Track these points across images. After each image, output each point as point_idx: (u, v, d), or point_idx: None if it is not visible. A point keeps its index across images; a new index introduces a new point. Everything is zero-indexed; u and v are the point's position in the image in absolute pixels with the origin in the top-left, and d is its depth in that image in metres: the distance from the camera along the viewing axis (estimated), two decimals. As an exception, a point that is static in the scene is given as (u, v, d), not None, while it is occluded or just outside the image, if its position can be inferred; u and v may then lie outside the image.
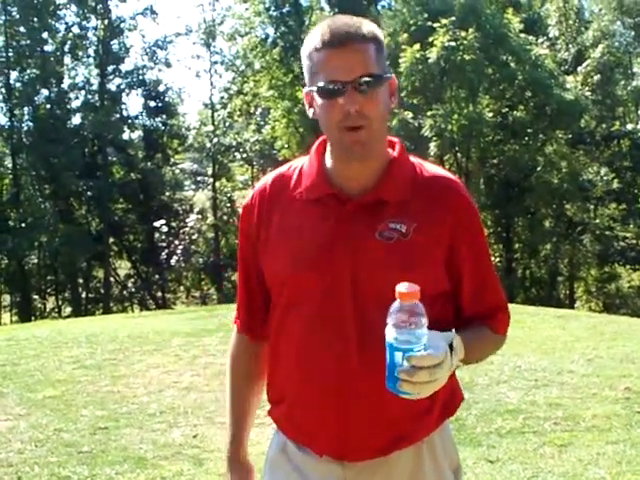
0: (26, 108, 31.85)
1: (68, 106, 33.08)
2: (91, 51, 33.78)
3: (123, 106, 34.53)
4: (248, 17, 30.70)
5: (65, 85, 33.13)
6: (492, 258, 1.99)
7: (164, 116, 34.83)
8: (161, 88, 34.98)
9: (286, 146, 28.21)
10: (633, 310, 25.51)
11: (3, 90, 31.30)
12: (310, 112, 1.78)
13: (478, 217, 1.85)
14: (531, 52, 24.03)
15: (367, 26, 1.72)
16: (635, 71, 29.56)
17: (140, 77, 34.47)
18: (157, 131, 34.86)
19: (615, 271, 29.58)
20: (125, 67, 34.14)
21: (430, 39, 22.64)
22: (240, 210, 1.97)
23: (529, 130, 25.42)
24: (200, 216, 35.43)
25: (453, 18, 22.70)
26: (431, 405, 1.75)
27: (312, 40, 1.72)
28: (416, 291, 1.46)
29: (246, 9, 30.85)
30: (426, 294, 1.55)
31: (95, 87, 33.68)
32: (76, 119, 33.56)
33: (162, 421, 6.06)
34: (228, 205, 35.22)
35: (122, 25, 33.48)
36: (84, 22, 33.15)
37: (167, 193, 34.80)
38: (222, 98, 35.73)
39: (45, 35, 31.91)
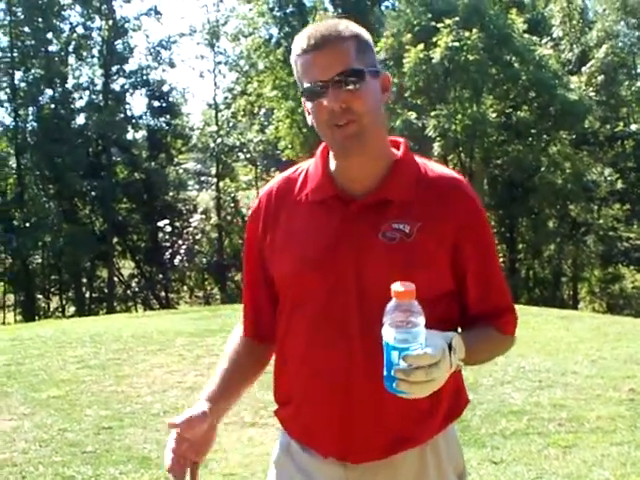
0: (30, 108, 31.91)
1: (72, 106, 33.15)
2: (95, 51, 33.84)
3: (127, 106, 34.61)
4: (252, 17, 30.73)
5: (69, 85, 33.21)
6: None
7: (168, 116, 34.86)
8: (165, 88, 35.05)
9: (289, 146, 28.20)
10: (637, 311, 25.47)
11: (8, 90, 31.35)
12: (308, 120, 1.79)
13: (484, 216, 1.84)
14: (535, 52, 23.98)
15: (345, 25, 1.73)
16: (639, 71, 29.51)
17: (144, 77, 34.52)
18: (161, 131, 34.88)
19: (619, 272, 29.53)
20: (129, 67, 34.27)
21: (434, 39, 22.61)
22: (244, 210, 1.98)
23: (533, 130, 25.36)
24: (204, 216, 35.46)
25: (457, 18, 22.66)
26: (435, 407, 1.75)
27: (294, 49, 1.75)
28: (412, 290, 1.45)
29: (250, 9, 30.89)
30: (431, 293, 1.55)
31: (99, 87, 33.76)
32: (80, 119, 33.68)
33: (166, 421, 6.05)
34: (232, 205, 35.23)
35: (126, 25, 33.53)
36: (88, 22, 33.23)
37: (171, 193, 34.84)
38: (226, 98, 35.76)
39: (49, 35, 31.96)
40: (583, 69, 26.72)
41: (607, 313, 22.93)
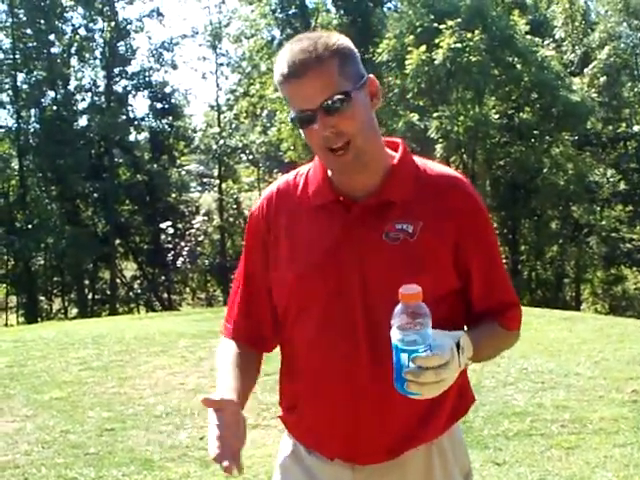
0: (33, 110, 31.94)
1: (75, 108, 33.18)
2: (98, 53, 33.88)
3: (129, 108, 34.62)
4: (254, 19, 30.76)
5: (72, 87, 33.24)
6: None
7: (170, 118, 34.87)
8: (167, 90, 35.06)
9: (292, 148, 28.19)
10: (639, 312, 25.44)
11: (10, 92, 31.39)
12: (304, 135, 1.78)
13: (485, 214, 1.84)
14: (537, 54, 23.98)
15: (325, 42, 1.68)
16: (642, 73, 29.50)
17: (146, 79, 34.54)
18: (163, 133, 34.90)
19: (621, 273, 29.51)
20: (131, 69, 34.28)
21: (436, 41, 22.59)
22: (246, 212, 1.97)
23: (535, 132, 25.35)
24: (206, 218, 35.48)
25: (459, 20, 22.65)
26: (440, 406, 1.75)
27: (275, 71, 1.72)
28: (419, 292, 1.47)
29: (252, 11, 30.91)
30: (435, 292, 1.55)
31: (101, 89, 33.78)
32: (82, 121, 33.72)
33: (169, 423, 6.06)
34: (234, 207, 35.25)
35: (128, 27, 33.57)
36: (91, 24, 33.25)
37: (173, 195, 34.84)
38: (228, 100, 35.78)
39: (52, 37, 32.00)
40: (585, 70, 26.72)
41: (609, 314, 22.90)
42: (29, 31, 31.37)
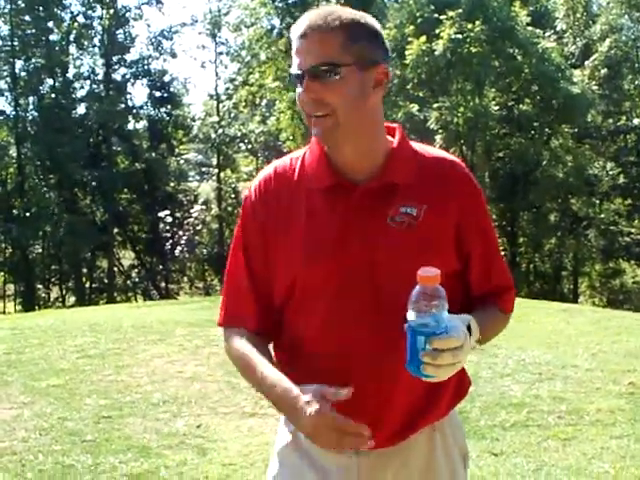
0: (31, 97, 31.91)
1: (73, 96, 33.15)
2: (96, 41, 33.82)
3: (128, 96, 34.59)
4: (254, 8, 30.62)
5: (70, 75, 33.19)
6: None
7: (169, 106, 34.84)
8: (166, 78, 35.04)
9: (291, 138, 28.15)
10: (637, 306, 25.48)
11: (8, 79, 31.33)
12: None
13: (483, 196, 1.87)
14: (538, 45, 23.92)
15: (336, 15, 1.69)
16: (642, 65, 29.45)
17: (145, 67, 34.50)
18: (162, 121, 34.87)
19: (619, 266, 29.55)
20: (130, 57, 34.24)
21: (436, 31, 22.56)
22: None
23: (535, 124, 25.35)
24: (204, 207, 35.46)
25: (460, 10, 22.60)
26: (443, 388, 1.76)
27: (291, 34, 1.75)
28: (437, 275, 1.48)
29: (252, 0, 30.79)
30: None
31: (100, 77, 33.75)
32: (81, 109, 33.68)
33: (166, 411, 6.07)
34: (232, 196, 35.22)
35: (127, 15, 33.51)
36: (89, 11, 33.18)
37: (172, 184, 34.85)
38: (227, 89, 35.68)
39: (50, 24, 31.91)
40: (586, 62, 26.67)
41: (607, 307, 22.93)
42: (27, 18, 31.28)
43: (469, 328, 1.60)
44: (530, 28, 24.07)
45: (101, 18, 33.16)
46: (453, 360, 1.49)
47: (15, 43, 31.04)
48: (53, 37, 32.36)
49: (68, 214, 30.32)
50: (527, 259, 29.26)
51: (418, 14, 24.13)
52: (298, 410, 1.60)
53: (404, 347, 1.51)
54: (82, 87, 33.93)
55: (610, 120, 28.03)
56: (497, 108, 23.87)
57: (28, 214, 29.49)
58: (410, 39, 22.98)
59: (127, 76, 34.22)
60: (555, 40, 26.81)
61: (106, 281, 33.59)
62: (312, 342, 1.78)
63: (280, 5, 29.51)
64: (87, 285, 33.63)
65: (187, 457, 4.95)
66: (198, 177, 37.97)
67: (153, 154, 34.01)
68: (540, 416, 5.67)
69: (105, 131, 32.67)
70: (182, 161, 36.24)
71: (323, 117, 1.68)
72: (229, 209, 35.07)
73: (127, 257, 35.52)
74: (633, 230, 28.41)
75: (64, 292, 33.07)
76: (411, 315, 1.48)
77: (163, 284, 35.12)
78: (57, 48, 32.19)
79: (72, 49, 33.47)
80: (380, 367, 1.72)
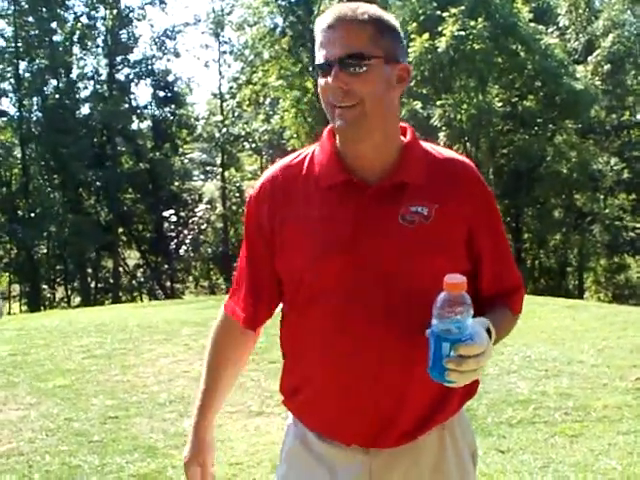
0: (35, 98, 31.95)
1: (77, 96, 33.17)
2: (100, 41, 33.87)
3: (132, 96, 34.69)
4: (257, 7, 30.64)
5: (74, 75, 33.27)
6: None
7: (173, 106, 34.87)
8: (170, 78, 35.08)
9: (295, 136, 28.17)
10: (642, 300, 25.45)
11: (12, 80, 31.38)
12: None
13: (493, 197, 1.87)
14: (541, 41, 23.88)
15: (365, 9, 1.74)
16: (646, 61, 29.38)
17: (149, 67, 34.52)
18: (166, 121, 34.90)
19: (624, 261, 29.51)
20: (134, 57, 34.28)
21: (439, 28, 22.53)
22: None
23: (539, 120, 25.29)
24: (209, 206, 35.48)
25: (462, 7, 22.57)
26: (453, 388, 1.75)
27: (318, 22, 1.76)
28: (463, 282, 1.49)
29: (254, -1, 30.81)
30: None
31: (104, 77, 33.77)
32: (85, 109, 33.72)
33: (172, 410, 6.07)
34: (237, 195, 35.23)
35: (131, 15, 33.54)
36: (93, 12, 33.24)
37: (176, 183, 34.87)
38: (231, 88, 35.71)
39: (54, 25, 31.96)
40: (589, 58, 26.61)
41: (612, 303, 22.90)
42: (31, 19, 31.34)
43: (489, 332, 1.61)
44: (532, 24, 24.02)
45: (104, 18, 33.21)
46: (477, 366, 1.51)
47: (19, 44, 31.10)
48: (57, 38, 32.42)
49: (73, 214, 30.37)
50: (532, 255, 29.24)
51: (421, 11, 24.10)
52: (187, 454, 2.05)
53: (417, 347, 1.52)
54: (86, 87, 34.02)
55: (614, 115, 27.98)
56: (500, 105, 23.83)
57: (33, 215, 29.55)
58: (413, 37, 22.93)
59: (131, 76, 34.27)
60: (558, 36, 26.78)
61: (111, 281, 33.64)
62: (320, 340, 1.78)
63: (283, 4, 29.54)
64: (92, 285, 33.67)
65: (194, 457, 4.94)
66: (202, 176, 38.00)
67: (157, 154, 34.05)
68: (547, 413, 5.66)
69: (109, 131, 32.72)
70: (186, 160, 36.27)
71: (350, 107, 1.69)
72: (234, 208, 35.08)
73: (132, 257, 35.56)
74: (638, 225, 28.36)
75: (69, 292, 33.11)
76: (436, 321, 1.49)
77: (168, 283, 35.15)
78: (61, 49, 32.24)
79: (75, 50, 33.54)
80: (391, 367, 1.72)
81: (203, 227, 35.40)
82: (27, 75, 31.67)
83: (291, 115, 27.98)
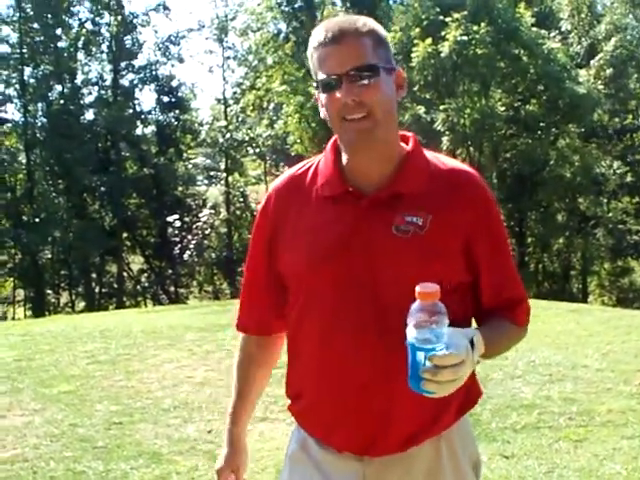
0: (40, 104, 32.00)
1: (81, 102, 33.25)
2: (104, 47, 33.94)
3: (136, 101, 34.67)
4: (260, 12, 30.70)
5: (78, 81, 33.29)
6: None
7: (177, 111, 34.90)
8: (174, 83, 35.11)
9: (298, 141, 28.16)
10: (647, 304, 25.40)
11: (17, 86, 31.44)
12: (321, 113, 1.81)
13: (496, 208, 1.86)
14: (543, 46, 23.88)
15: (362, 21, 1.76)
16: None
17: (153, 72, 34.56)
18: (170, 126, 34.93)
19: (628, 265, 29.47)
20: (138, 63, 34.32)
21: (442, 33, 22.55)
22: (253, 205, 2.00)
23: (542, 124, 25.28)
24: (213, 211, 35.50)
25: (465, 12, 22.60)
26: (449, 399, 1.74)
27: (311, 41, 1.78)
28: (436, 291, 1.47)
29: (258, 4, 30.86)
30: (445, 286, 1.56)
31: (108, 83, 33.83)
32: (89, 115, 33.78)
33: (176, 416, 6.08)
34: (241, 200, 35.26)
35: (135, 21, 33.60)
36: (97, 18, 33.30)
37: (180, 188, 34.89)
38: (235, 93, 35.77)
39: (59, 31, 32.06)
40: (592, 62, 26.60)
41: (616, 306, 22.85)
42: (36, 25, 31.42)
43: (472, 343, 1.58)
44: (535, 29, 24.03)
45: (109, 25, 33.28)
46: (454, 376, 1.49)
47: (24, 50, 31.15)
48: (61, 44, 32.49)
49: (77, 219, 30.41)
50: (536, 259, 29.20)
51: (423, 16, 24.11)
52: (221, 460, 2.07)
53: (405, 359, 1.51)
54: (90, 93, 34.07)
55: (616, 119, 27.94)
56: (503, 109, 23.84)
57: (37, 220, 29.56)
58: (416, 41, 22.96)
59: (135, 82, 34.32)
60: (560, 40, 26.76)
61: (115, 286, 33.65)
62: (314, 347, 1.80)
63: (286, 9, 29.59)
64: (97, 290, 33.68)
65: (198, 463, 4.96)
66: (206, 181, 38.01)
67: (161, 159, 34.08)
68: (551, 417, 5.65)
69: (113, 136, 32.75)
70: (190, 165, 36.31)
71: (361, 119, 1.70)
72: (237, 213, 35.13)
73: (136, 262, 35.56)
74: (641, 228, 28.35)
75: (74, 297, 33.12)
76: (411, 331, 1.47)
77: (172, 288, 35.16)
78: (65, 55, 32.31)
79: (80, 55, 33.59)
80: (381, 378, 1.72)
81: (207, 232, 35.40)
82: (32, 81, 31.73)
83: (295, 120, 27.97)
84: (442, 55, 22.58)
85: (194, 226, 35.01)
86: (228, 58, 36.09)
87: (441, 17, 23.07)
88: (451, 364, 1.48)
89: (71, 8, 32.75)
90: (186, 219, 35.01)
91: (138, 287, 35.03)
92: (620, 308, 17.99)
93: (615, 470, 4.58)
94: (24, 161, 31.41)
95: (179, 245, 34.52)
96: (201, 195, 36.25)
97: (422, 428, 1.77)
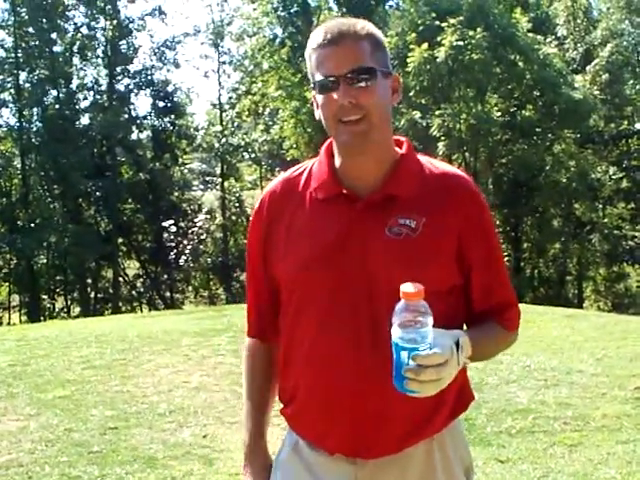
0: (35, 109, 31.94)
1: (77, 106, 33.19)
2: (100, 52, 33.91)
3: (132, 106, 34.67)
4: (256, 17, 30.76)
5: (74, 86, 33.26)
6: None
7: (173, 116, 34.89)
8: (170, 88, 35.08)
9: (294, 146, 28.22)
10: (642, 310, 25.44)
11: (12, 91, 31.39)
12: (317, 114, 1.81)
13: (488, 212, 1.86)
14: (539, 51, 23.97)
15: (361, 25, 1.77)
16: (644, 70, 29.45)
17: (148, 77, 34.57)
18: (166, 131, 34.92)
19: (624, 270, 29.52)
20: (134, 67, 34.31)
21: (438, 39, 22.61)
22: (249, 210, 2.00)
23: (537, 129, 25.34)
24: (209, 216, 35.49)
25: (461, 18, 22.66)
26: (441, 402, 1.75)
27: (310, 43, 1.78)
28: (420, 290, 1.47)
29: (254, 9, 30.90)
30: (436, 288, 1.56)
31: (104, 87, 33.81)
32: (85, 119, 33.73)
33: (172, 421, 6.07)
34: (237, 205, 35.27)
35: (130, 25, 33.60)
36: (93, 23, 33.27)
37: (176, 193, 34.89)
38: (230, 98, 35.82)
39: (54, 36, 32.01)
40: (587, 68, 26.68)
41: (612, 312, 22.88)
42: (31, 30, 31.37)
43: (458, 344, 1.59)
44: (531, 34, 24.13)
45: (104, 29, 33.27)
46: (437, 376, 1.49)
47: (19, 55, 31.12)
48: (57, 48, 32.47)
49: (72, 224, 30.34)
50: (531, 264, 29.24)
51: (419, 22, 24.19)
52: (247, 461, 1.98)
53: None
54: (86, 98, 34.02)
55: (612, 125, 28.02)
56: (499, 114, 23.90)
57: (32, 225, 29.51)
58: (412, 47, 23.03)
59: (130, 86, 34.32)
60: (556, 46, 26.85)
61: (111, 291, 33.61)
62: (305, 350, 1.81)
63: (282, 14, 29.63)
64: (92, 295, 33.63)
65: (193, 467, 4.96)
66: (202, 186, 38.03)
67: (157, 164, 34.07)
68: (546, 422, 5.66)
69: (109, 141, 32.72)
70: (186, 171, 36.31)
71: (357, 121, 1.71)
72: (233, 218, 35.13)
73: (132, 267, 35.53)
74: (637, 234, 28.38)
75: (69, 302, 33.06)
76: (395, 330, 1.48)
77: (168, 294, 35.13)
78: (61, 59, 32.28)
79: (75, 60, 33.56)
80: (373, 382, 1.72)
81: (203, 237, 35.39)
82: (27, 85, 31.68)
83: (290, 125, 28.02)
84: (438, 60, 22.64)
85: (190, 231, 34.99)
86: (224, 63, 36.19)
87: (437, 22, 23.13)
88: (434, 364, 1.48)
89: (66, 12, 32.73)
90: (182, 224, 34.98)
91: (134, 292, 34.98)
92: (615, 314, 18.03)
93: (610, 475, 4.58)
94: (19, 166, 31.38)
95: (175, 250, 34.49)
96: (197, 200, 36.24)
97: (414, 430, 1.78)
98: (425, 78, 23.46)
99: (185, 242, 34.54)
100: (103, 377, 7.65)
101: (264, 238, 1.88)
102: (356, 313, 1.74)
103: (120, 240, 33.66)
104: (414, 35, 23.55)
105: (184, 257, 34.34)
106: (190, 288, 36.48)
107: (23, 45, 31.36)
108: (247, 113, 33.47)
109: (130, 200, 33.97)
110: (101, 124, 31.50)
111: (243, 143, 34.79)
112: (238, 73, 35.56)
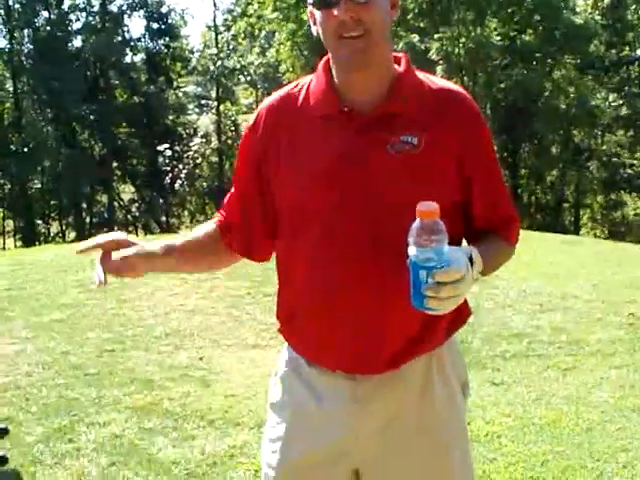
0: (26, 30, 31.42)
1: (69, 28, 32.63)
2: (92, -29, 33.18)
3: (125, 28, 34.09)
4: (252, -63, 30.02)
5: (65, 6, 32.63)
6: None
7: (167, 38, 34.38)
8: (163, 10, 34.50)
9: (290, 69, 27.86)
10: (638, 237, 25.50)
11: (2, 12, 30.85)
12: (314, 30, 1.77)
13: (487, 127, 1.86)
14: (540, -26, 23.55)
15: None
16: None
17: (142, -2, 33.93)
18: (160, 54, 34.45)
19: (621, 198, 29.51)
20: (126, -12, 33.59)
21: (438, -40, 22.18)
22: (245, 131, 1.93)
23: (537, 54, 25.04)
24: (204, 140, 35.28)
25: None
26: (439, 317, 1.74)
27: None
28: (436, 209, 1.47)
29: None
30: (439, 204, 1.54)
31: (96, 8, 33.18)
32: (77, 42, 33.21)
33: (168, 343, 6.10)
34: (232, 129, 35.03)
35: (123, -57, 32.82)
36: (84, -60, 32.48)
37: (171, 117, 34.58)
38: (226, 20, 35.25)
39: (45, -46, 31.29)
40: (589, -9, 26.24)
41: (608, 239, 22.97)
42: (21, -52, 30.68)
43: (471, 259, 1.60)
44: (533, -44, 23.65)
45: (96, -53, 32.52)
46: (455, 292, 1.49)
47: (9, -26, 30.51)
48: (47, -33, 31.78)
49: (66, 149, 30.15)
50: (529, 191, 29.21)
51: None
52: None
53: (400, 277, 1.52)
54: (78, 19, 33.40)
55: (613, 51, 27.66)
56: (499, 39, 23.57)
57: (26, 149, 29.31)
58: (411, -32, 22.59)
59: (124, 7, 33.71)
60: (558, -32, 26.31)
61: (106, 216, 33.60)
62: (306, 268, 1.79)
63: None
64: (87, 220, 33.63)
65: (190, 389, 4.99)
66: (197, 110, 37.70)
67: (151, 87, 33.69)
68: (540, 346, 5.70)
69: (102, 64, 32.30)
70: (181, 94, 35.92)
71: (358, 37, 1.68)
72: (229, 142, 34.91)
73: (127, 191, 35.46)
74: (635, 162, 28.28)
75: (64, 227, 33.08)
76: (412, 250, 1.47)
77: (164, 218, 35.15)
78: (52, -21, 31.66)
79: (67, -20, 32.91)
80: (375, 297, 1.72)
81: (198, 161, 35.24)
82: (17, 6, 31.11)
83: (287, 48, 27.62)
84: (437, -18, 22.24)
85: (185, 155, 34.83)
86: (219, -17, 35.49)
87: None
88: (452, 280, 1.48)
89: None
90: (177, 148, 34.80)
91: (129, 217, 34.98)
92: (612, 241, 18.09)
93: (602, 398, 4.63)
94: (11, 89, 31.00)
95: (170, 174, 34.37)
96: (192, 124, 35.97)
97: (413, 345, 1.78)
98: (424, 1, 23.08)
99: (180, 166, 34.41)
100: (99, 300, 7.66)
101: (260, 155, 1.84)
102: (358, 230, 1.72)
103: (115, 164, 33.50)
104: (413, -44, 23.08)
105: (179, 181, 34.25)
106: (186, 213, 36.49)
107: (13, -36, 30.70)
108: (243, 36, 32.95)
109: (124, 124, 33.69)
110: (94, 46, 31.04)
111: (239, 66, 34.39)
112: (233, -6, 34.93)
